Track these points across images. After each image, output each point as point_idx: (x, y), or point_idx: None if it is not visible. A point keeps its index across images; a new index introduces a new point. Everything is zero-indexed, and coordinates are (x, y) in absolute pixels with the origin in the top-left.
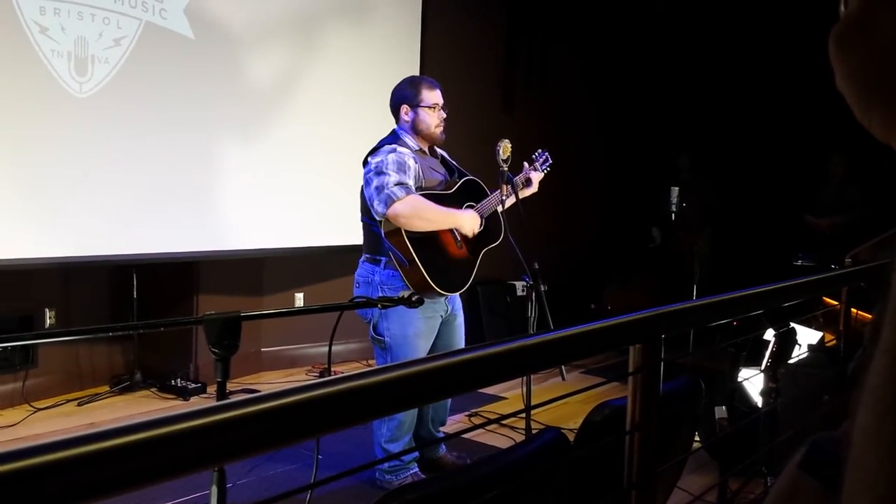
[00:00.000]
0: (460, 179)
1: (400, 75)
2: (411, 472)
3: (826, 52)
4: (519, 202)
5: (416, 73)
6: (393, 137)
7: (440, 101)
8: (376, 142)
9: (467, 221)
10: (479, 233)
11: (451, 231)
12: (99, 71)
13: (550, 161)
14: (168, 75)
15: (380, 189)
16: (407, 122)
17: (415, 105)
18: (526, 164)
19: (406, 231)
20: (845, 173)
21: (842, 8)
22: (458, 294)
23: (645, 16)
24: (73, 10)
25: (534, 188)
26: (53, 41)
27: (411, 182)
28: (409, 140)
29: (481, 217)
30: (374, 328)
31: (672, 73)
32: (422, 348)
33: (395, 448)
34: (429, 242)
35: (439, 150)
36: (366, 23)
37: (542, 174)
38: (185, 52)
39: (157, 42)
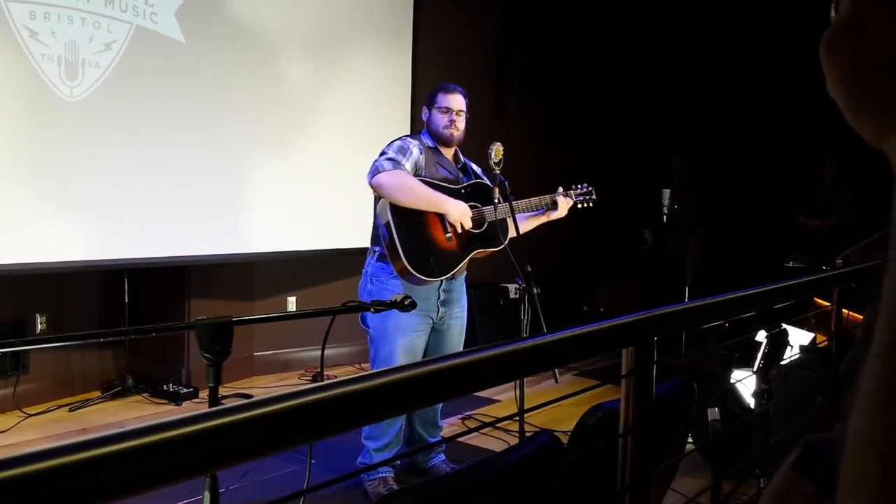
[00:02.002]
0: (475, 180)
1: (390, 80)
2: (381, 474)
3: (817, 56)
4: (515, 222)
5: (408, 77)
6: (412, 134)
7: (453, 105)
8: (370, 144)
9: (455, 209)
10: (477, 233)
11: (441, 221)
12: (89, 75)
13: (594, 196)
14: (159, 79)
15: (374, 162)
16: (424, 121)
17: (431, 107)
18: (560, 189)
19: (391, 207)
20: (837, 176)
21: (833, 13)
22: (456, 301)
23: (637, 19)
24: (64, 14)
25: (559, 213)
26: (44, 45)
27: (407, 165)
28: (426, 139)
29: (483, 220)
30: (363, 319)
31: (663, 76)
32: (400, 344)
33: (372, 445)
34: (414, 225)
35: (465, 160)
36: (356, 28)
37: (572, 202)
38: (176, 56)
39: (147, 46)
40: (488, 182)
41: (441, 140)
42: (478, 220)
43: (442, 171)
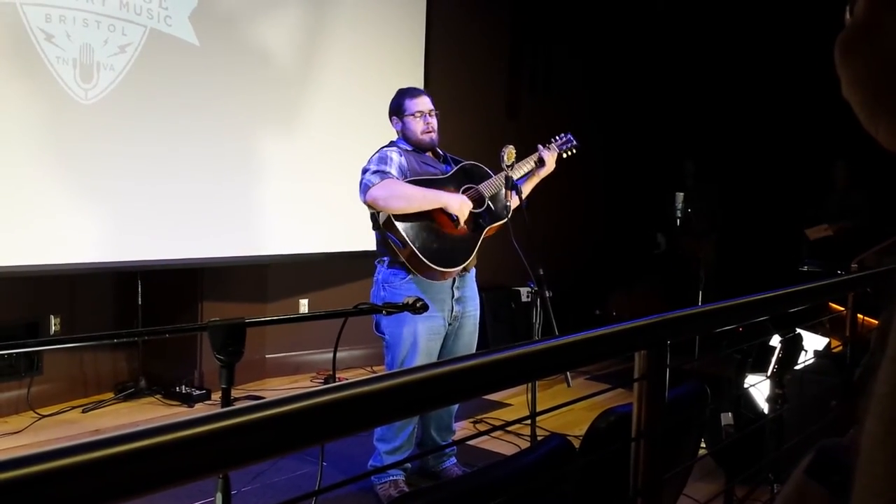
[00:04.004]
0: (462, 162)
1: (404, 83)
2: (392, 477)
3: (831, 58)
4: (522, 202)
5: (421, 80)
6: (388, 144)
7: (424, 107)
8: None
9: (453, 200)
10: (481, 212)
11: (445, 211)
12: (104, 78)
13: (575, 142)
14: (173, 82)
15: (360, 181)
16: (398, 131)
17: (401, 115)
18: (540, 146)
19: (394, 215)
20: (849, 179)
21: (847, 15)
22: (469, 299)
23: (649, 22)
24: (79, 17)
25: (548, 167)
26: (59, 48)
27: (393, 171)
28: (403, 145)
29: (482, 198)
30: (377, 326)
31: (677, 79)
32: (419, 348)
33: (383, 447)
34: (421, 224)
35: (443, 152)
36: (370, 31)
37: (557, 153)
38: (190, 59)
39: (162, 49)
40: (471, 161)
41: (422, 146)
42: (477, 200)
43: (428, 168)
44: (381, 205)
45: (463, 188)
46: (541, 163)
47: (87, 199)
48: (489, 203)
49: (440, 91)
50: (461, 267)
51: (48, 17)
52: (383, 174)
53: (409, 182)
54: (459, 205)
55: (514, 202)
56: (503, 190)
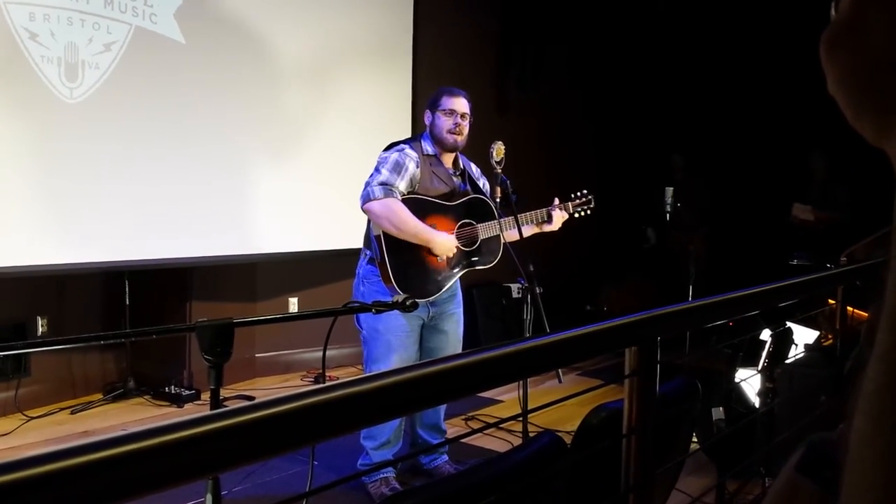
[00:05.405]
0: (471, 195)
1: (391, 79)
2: (382, 475)
3: (817, 55)
4: (520, 228)
5: (408, 75)
6: (413, 138)
7: (458, 108)
8: (372, 144)
9: (439, 244)
10: (470, 251)
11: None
12: (89, 76)
13: (592, 205)
14: (159, 80)
15: (367, 183)
16: (426, 125)
17: (434, 109)
18: (556, 200)
19: (384, 230)
20: (827, 171)
21: (833, 11)
22: (447, 300)
23: (638, 17)
24: (63, 15)
25: (553, 226)
26: (43, 47)
27: (401, 185)
28: (427, 144)
29: (475, 238)
30: (357, 319)
31: (665, 74)
32: (393, 344)
33: (370, 444)
34: (406, 246)
35: (465, 162)
36: (357, 27)
37: (568, 216)
38: (176, 57)
39: (147, 47)
40: (486, 197)
41: (444, 146)
42: (471, 239)
43: (438, 184)
44: (373, 219)
45: (461, 223)
46: (549, 218)
47: (74, 199)
48: (481, 244)
49: (428, 87)
50: (427, 300)
51: (32, 15)
52: (389, 190)
53: (414, 197)
54: (445, 249)
55: (514, 236)
56: (501, 234)
